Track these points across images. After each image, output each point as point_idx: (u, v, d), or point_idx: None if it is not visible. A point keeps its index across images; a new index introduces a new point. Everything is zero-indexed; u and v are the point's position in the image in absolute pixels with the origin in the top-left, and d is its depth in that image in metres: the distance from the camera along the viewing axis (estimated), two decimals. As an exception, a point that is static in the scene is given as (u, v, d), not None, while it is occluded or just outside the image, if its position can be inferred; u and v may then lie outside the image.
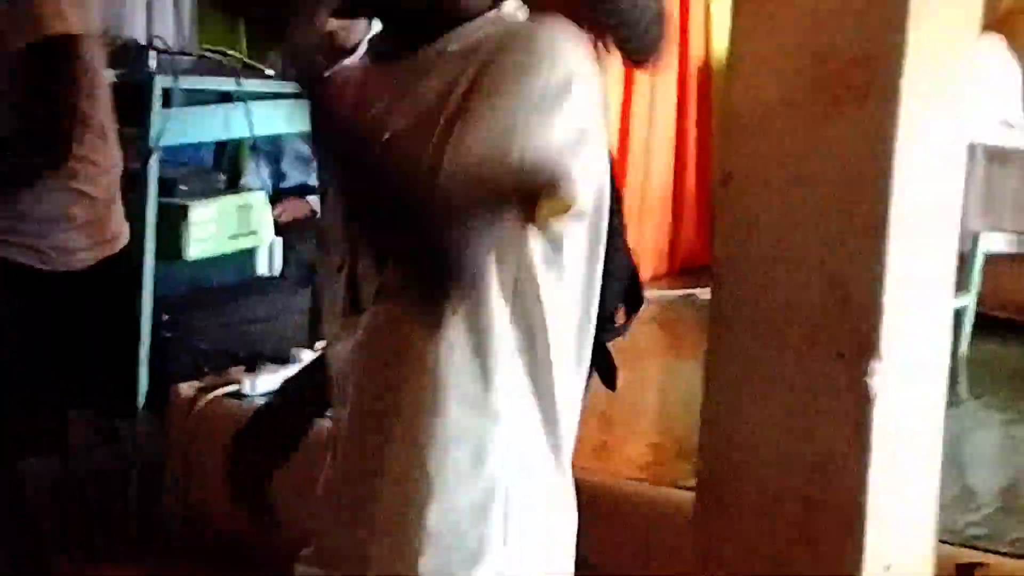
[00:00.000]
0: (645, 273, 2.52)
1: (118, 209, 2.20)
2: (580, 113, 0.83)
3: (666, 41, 1.30)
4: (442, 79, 0.86)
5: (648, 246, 3.39)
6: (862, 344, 1.40)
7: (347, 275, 0.92)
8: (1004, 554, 2.07)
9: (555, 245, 0.86)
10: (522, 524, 0.89)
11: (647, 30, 1.23)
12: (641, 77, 3.19)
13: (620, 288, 1.17)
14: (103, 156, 2.11)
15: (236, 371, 2.76)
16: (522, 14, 0.92)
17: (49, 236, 2.03)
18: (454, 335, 0.85)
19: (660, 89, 3.43)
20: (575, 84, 0.82)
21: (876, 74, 1.38)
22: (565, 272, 0.87)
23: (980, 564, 1.99)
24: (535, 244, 0.85)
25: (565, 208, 0.83)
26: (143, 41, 3.06)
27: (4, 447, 2.11)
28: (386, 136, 0.86)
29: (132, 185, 2.50)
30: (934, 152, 1.45)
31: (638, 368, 2.66)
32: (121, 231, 2.19)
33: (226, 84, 2.88)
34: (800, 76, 1.44)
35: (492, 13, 0.90)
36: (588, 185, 0.84)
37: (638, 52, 1.31)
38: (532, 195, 0.81)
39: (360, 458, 0.91)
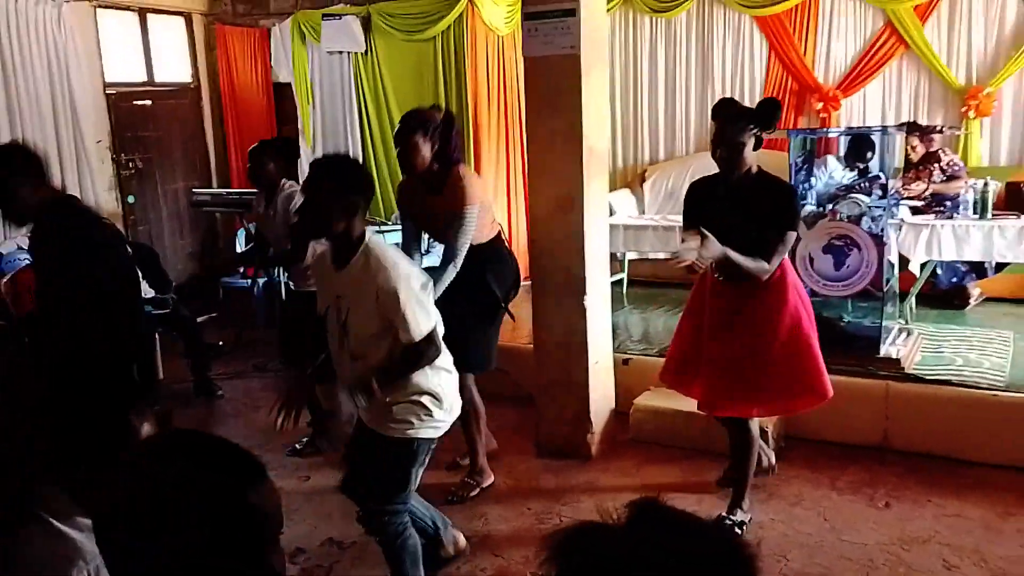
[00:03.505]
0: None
1: None
2: (416, 279, 2.68)
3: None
4: (360, 277, 2.64)
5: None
6: (580, 289, 4.22)
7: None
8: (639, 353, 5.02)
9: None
10: None
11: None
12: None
13: (514, 280, 3.93)
14: None
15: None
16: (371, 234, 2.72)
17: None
18: None
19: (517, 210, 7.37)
20: (408, 272, 2.67)
21: (573, 202, 4.18)
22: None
23: (628, 359, 4.85)
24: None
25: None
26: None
27: None
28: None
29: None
30: (597, 223, 4.32)
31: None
32: None
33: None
34: (553, 201, 4.20)
35: (365, 243, 2.65)
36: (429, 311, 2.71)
37: None
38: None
39: None
